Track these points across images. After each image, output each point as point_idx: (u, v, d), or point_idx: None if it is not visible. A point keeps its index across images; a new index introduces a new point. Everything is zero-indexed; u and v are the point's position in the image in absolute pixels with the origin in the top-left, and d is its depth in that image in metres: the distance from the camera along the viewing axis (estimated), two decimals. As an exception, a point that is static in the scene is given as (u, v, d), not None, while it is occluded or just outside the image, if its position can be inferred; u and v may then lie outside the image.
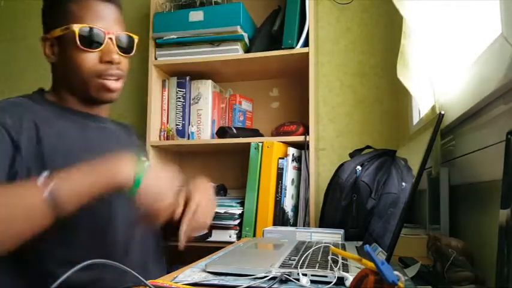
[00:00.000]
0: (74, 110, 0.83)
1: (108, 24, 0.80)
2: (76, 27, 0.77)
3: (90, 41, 0.78)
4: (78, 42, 0.77)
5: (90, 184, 0.62)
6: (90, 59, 0.78)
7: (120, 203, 0.79)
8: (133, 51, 0.85)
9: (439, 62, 0.90)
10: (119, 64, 0.81)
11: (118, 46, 0.81)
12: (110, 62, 0.79)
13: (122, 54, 0.82)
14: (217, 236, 1.34)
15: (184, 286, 0.52)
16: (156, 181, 0.67)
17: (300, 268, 0.58)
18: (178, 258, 1.00)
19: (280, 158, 1.35)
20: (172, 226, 0.74)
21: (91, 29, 0.77)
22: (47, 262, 0.70)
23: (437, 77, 0.90)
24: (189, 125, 1.58)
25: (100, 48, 0.78)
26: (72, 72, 0.79)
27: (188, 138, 1.56)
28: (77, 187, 0.62)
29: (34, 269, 0.71)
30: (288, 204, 1.35)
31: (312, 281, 0.55)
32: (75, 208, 0.62)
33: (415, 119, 1.24)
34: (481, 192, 0.70)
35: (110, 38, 0.79)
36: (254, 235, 1.31)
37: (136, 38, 0.86)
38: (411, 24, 0.88)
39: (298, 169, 1.42)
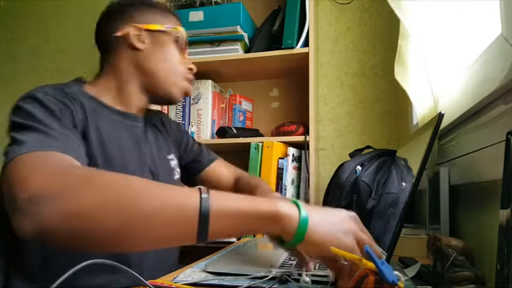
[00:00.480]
0: (109, 106, 0.81)
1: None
2: (182, 30, 0.86)
3: (185, 46, 0.88)
4: (182, 44, 0.87)
5: (247, 211, 0.49)
6: (184, 62, 0.87)
7: None
8: None
9: (439, 62, 0.90)
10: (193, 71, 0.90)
11: None
12: (191, 70, 0.89)
13: None
14: (217, 236, 1.34)
15: (184, 286, 0.52)
16: (322, 227, 0.52)
17: (300, 268, 0.58)
18: (178, 258, 1.00)
19: (280, 158, 1.35)
20: None
21: (186, 35, 0.88)
22: (55, 264, 0.70)
23: (437, 77, 0.90)
24: (189, 125, 1.58)
25: (186, 56, 0.89)
26: (163, 65, 0.84)
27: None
28: (233, 209, 0.49)
29: (42, 271, 0.70)
30: (288, 204, 1.35)
31: (312, 281, 0.55)
32: (218, 237, 0.49)
33: (415, 119, 1.24)
34: (481, 192, 0.70)
35: (187, 52, 0.91)
36: (254, 235, 1.31)
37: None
38: (407, 25, 0.88)
39: (298, 169, 1.42)
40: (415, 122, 1.24)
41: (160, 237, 0.48)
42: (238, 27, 1.46)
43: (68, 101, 0.69)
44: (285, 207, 0.50)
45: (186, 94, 0.89)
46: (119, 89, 0.82)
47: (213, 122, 1.57)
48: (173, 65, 0.84)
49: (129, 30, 0.81)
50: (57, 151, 0.56)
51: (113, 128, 0.78)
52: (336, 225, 0.52)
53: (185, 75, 0.87)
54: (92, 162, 0.70)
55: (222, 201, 0.48)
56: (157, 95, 0.85)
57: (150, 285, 0.48)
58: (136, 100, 0.84)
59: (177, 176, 0.96)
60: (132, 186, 0.48)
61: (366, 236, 0.54)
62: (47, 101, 0.65)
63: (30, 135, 0.58)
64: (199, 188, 0.49)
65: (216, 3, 1.56)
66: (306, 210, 0.51)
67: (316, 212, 0.52)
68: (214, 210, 0.47)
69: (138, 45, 0.82)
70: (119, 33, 0.81)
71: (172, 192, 0.48)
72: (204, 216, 0.46)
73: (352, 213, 0.56)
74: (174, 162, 0.96)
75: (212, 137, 1.55)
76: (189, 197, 0.47)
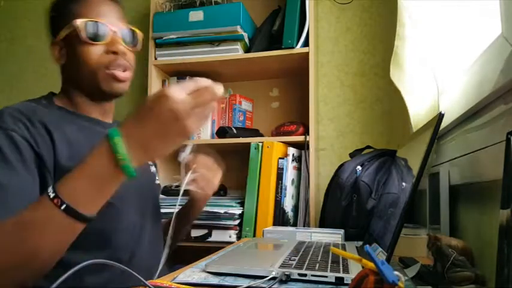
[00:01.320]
0: (81, 115, 0.84)
1: (111, 20, 0.81)
2: (79, 22, 0.78)
3: (95, 34, 0.79)
4: (83, 35, 0.78)
5: (92, 177, 0.57)
6: (97, 51, 0.79)
7: (126, 208, 0.79)
8: (139, 45, 0.87)
9: (438, 62, 0.90)
10: (125, 55, 0.82)
11: (122, 40, 0.82)
12: (115, 53, 0.80)
13: (128, 46, 0.83)
14: (217, 236, 1.34)
15: (184, 286, 0.52)
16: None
17: (300, 268, 0.58)
18: (178, 258, 1.00)
19: (280, 158, 1.35)
20: (179, 232, 0.74)
21: (94, 22, 0.79)
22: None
23: (437, 77, 0.90)
24: (189, 125, 1.58)
25: (105, 41, 0.80)
26: (80, 67, 0.80)
27: (188, 138, 1.56)
28: (88, 187, 0.57)
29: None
30: (288, 204, 1.35)
31: (312, 281, 0.55)
32: (98, 207, 0.58)
33: (413, 120, 1.23)
34: (481, 192, 0.70)
35: (114, 31, 0.81)
36: (254, 235, 1.31)
37: (140, 33, 0.87)
38: (412, 14, 0.88)
39: (298, 169, 1.42)
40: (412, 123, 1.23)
41: (53, 250, 0.58)
42: (238, 27, 1.46)
43: (25, 124, 0.71)
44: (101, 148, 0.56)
45: (118, 80, 0.81)
46: (72, 100, 0.85)
47: (213, 122, 1.57)
48: (86, 63, 0.79)
49: (52, 49, 0.84)
50: None
51: (84, 135, 0.79)
52: (154, 127, 0.56)
53: (105, 65, 0.80)
54: (62, 172, 0.68)
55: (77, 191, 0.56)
56: (97, 95, 0.84)
57: (150, 285, 0.48)
58: (90, 106, 0.85)
59: (157, 181, 0.98)
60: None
61: (183, 101, 0.55)
62: (2, 138, 0.67)
63: None
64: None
65: (216, 3, 1.56)
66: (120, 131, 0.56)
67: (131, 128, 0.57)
68: (79, 205, 0.56)
69: (58, 62, 0.84)
70: (52, 52, 0.84)
71: (37, 222, 0.57)
72: (75, 215, 0.56)
73: (163, 92, 0.56)
74: (153, 168, 0.99)
75: (212, 137, 1.55)
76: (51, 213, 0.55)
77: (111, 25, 0.81)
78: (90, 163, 0.57)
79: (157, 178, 0.99)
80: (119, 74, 0.81)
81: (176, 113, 0.55)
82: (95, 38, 0.79)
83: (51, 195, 0.55)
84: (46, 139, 0.72)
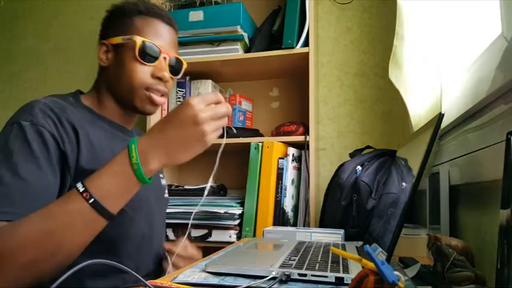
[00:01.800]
0: (106, 118, 0.85)
1: (165, 44, 0.84)
2: (139, 40, 0.81)
3: (148, 55, 0.82)
4: (137, 53, 0.80)
5: (119, 177, 0.63)
6: (143, 71, 0.82)
7: (136, 217, 0.80)
8: (180, 74, 0.91)
9: (438, 62, 0.90)
10: (167, 82, 0.85)
11: (169, 66, 0.85)
12: (160, 78, 0.83)
13: (171, 74, 0.86)
14: (217, 236, 1.34)
15: (184, 286, 0.52)
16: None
17: (300, 268, 0.58)
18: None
19: (280, 158, 1.35)
20: None
21: (152, 44, 0.82)
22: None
23: (437, 77, 0.90)
24: (189, 125, 1.58)
25: (154, 64, 0.82)
26: (123, 79, 0.82)
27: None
28: (112, 186, 0.62)
29: None
30: (288, 204, 1.35)
31: (312, 281, 0.55)
32: (122, 206, 0.64)
33: (413, 120, 1.23)
34: (481, 192, 0.70)
35: (164, 57, 0.84)
36: (254, 235, 1.31)
37: (185, 64, 0.91)
38: (412, 14, 0.88)
39: (298, 169, 1.42)
40: (412, 123, 1.23)
41: (76, 243, 0.61)
42: (238, 27, 1.46)
43: (54, 121, 0.71)
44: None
45: (154, 104, 0.84)
46: (101, 102, 0.86)
47: (213, 122, 1.57)
48: (130, 78, 0.81)
49: (100, 47, 0.85)
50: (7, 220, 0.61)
51: (107, 138, 0.80)
52: (175, 131, 0.63)
53: (147, 86, 0.82)
54: (81, 173, 0.71)
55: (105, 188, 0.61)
56: (128, 108, 0.86)
57: (150, 285, 0.48)
58: (117, 112, 0.87)
59: (166, 194, 0.98)
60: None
61: (208, 110, 0.65)
62: (31, 132, 0.68)
63: None
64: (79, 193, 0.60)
65: (216, 3, 1.56)
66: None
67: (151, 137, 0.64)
68: (105, 200, 0.60)
69: (102, 63, 0.84)
70: (97, 51, 0.85)
71: (64, 214, 0.60)
72: (101, 210, 0.60)
73: (186, 101, 0.64)
74: (164, 181, 1.00)
75: (212, 137, 1.55)
76: (79, 207, 0.60)
77: (164, 51, 0.84)
78: (115, 164, 0.63)
79: (166, 191, 1.00)
80: (156, 98, 0.84)
81: (196, 119, 0.63)
82: (147, 59, 0.82)
83: (81, 189, 0.60)
84: (72, 139, 0.73)
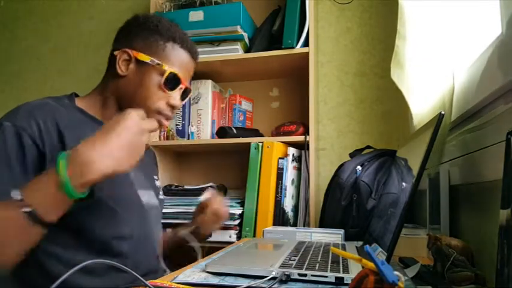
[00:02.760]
0: (98, 119, 0.85)
1: (185, 76, 0.88)
2: (168, 69, 0.84)
3: (170, 85, 0.85)
4: (162, 80, 0.83)
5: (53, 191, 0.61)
6: (160, 96, 0.85)
7: (128, 217, 0.80)
8: (186, 100, 0.98)
9: (439, 62, 0.89)
10: (177, 109, 0.90)
11: (182, 95, 0.89)
12: (173, 107, 0.87)
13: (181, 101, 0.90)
14: (217, 236, 1.34)
15: (184, 286, 0.52)
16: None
17: (300, 268, 0.58)
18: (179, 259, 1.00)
19: (280, 158, 1.35)
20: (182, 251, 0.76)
21: (176, 76, 0.85)
22: (54, 265, 0.72)
23: (437, 76, 0.89)
24: (189, 125, 1.58)
25: (171, 93, 0.86)
26: (139, 97, 0.83)
27: (188, 138, 1.56)
28: (47, 196, 0.61)
29: (40, 271, 0.71)
30: (288, 204, 1.35)
31: (312, 281, 0.55)
32: (59, 215, 0.62)
33: (415, 119, 1.23)
34: (481, 192, 0.70)
35: (181, 88, 0.88)
36: (254, 235, 1.31)
37: (191, 92, 0.97)
38: (413, 14, 0.87)
39: (298, 169, 1.42)
40: (415, 122, 1.23)
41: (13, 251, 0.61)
42: (238, 27, 1.46)
43: (38, 124, 0.72)
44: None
45: (159, 125, 0.85)
46: (102, 105, 0.86)
47: (213, 122, 1.57)
48: (146, 99, 0.83)
49: (121, 54, 0.84)
50: None
51: None
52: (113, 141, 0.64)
53: (160, 111, 0.85)
54: None
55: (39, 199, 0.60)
56: None
57: (150, 285, 0.48)
58: (107, 114, 0.86)
59: (161, 196, 0.99)
60: None
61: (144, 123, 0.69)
62: (9, 134, 0.70)
63: None
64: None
65: (216, 3, 1.56)
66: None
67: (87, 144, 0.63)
68: (39, 210, 0.60)
69: (120, 71, 0.84)
70: (114, 53, 0.85)
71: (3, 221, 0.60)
72: (35, 220, 0.59)
73: (129, 111, 0.68)
74: (158, 183, 1.01)
75: (212, 137, 1.55)
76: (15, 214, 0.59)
77: (184, 82, 0.87)
78: (46, 179, 0.61)
79: (161, 193, 1.00)
80: (164, 122, 0.87)
81: (141, 127, 0.67)
82: (168, 87, 0.85)
83: (18, 197, 0.59)
84: (55, 140, 0.73)
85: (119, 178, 0.75)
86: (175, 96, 0.86)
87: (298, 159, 1.42)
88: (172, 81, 0.85)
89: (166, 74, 0.83)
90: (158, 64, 0.83)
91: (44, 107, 0.75)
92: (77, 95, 0.89)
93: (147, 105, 0.83)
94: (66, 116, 0.77)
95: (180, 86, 0.87)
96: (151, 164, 1.07)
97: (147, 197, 0.89)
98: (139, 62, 0.83)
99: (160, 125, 0.86)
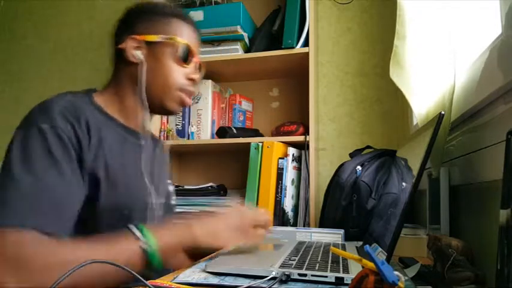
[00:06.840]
0: (117, 120, 0.82)
1: (195, 49, 0.88)
2: (181, 41, 0.83)
3: (187, 57, 0.85)
4: (179, 54, 0.83)
5: (176, 242, 0.68)
6: (180, 71, 0.84)
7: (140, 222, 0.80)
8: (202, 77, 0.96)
9: (437, 61, 0.89)
10: (197, 84, 0.89)
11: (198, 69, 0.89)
12: (193, 80, 0.86)
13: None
14: (217, 236, 1.34)
15: (184, 286, 0.52)
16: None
17: (300, 268, 0.58)
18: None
19: (280, 158, 1.35)
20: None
21: (188, 47, 0.85)
22: None
23: (438, 76, 0.89)
24: (189, 125, 1.58)
25: (189, 66, 0.85)
26: (158, 77, 0.82)
27: (188, 138, 1.56)
28: (168, 244, 0.66)
29: None
30: (288, 204, 1.35)
31: (312, 281, 0.55)
32: (165, 261, 0.65)
33: (415, 119, 1.24)
34: (481, 192, 0.70)
35: (196, 62, 0.87)
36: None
37: (204, 68, 0.96)
38: (412, 13, 0.87)
39: (298, 169, 1.42)
40: (415, 122, 1.23)
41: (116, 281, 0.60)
42: (238, 27, 1.46)
43: (72, 124, 0.69)
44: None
45: (183, 105, 0.87)
46: (121, 102, 0.84)
47: (213, 122, 1.57)
48: (167, 77, 0.82)
49: (128, 43, 0.82)
50: (36, 228, 0.58)
51: (117, 142, 0.79)
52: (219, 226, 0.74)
53: (181, 87, 0.84)
54: (93, 175, 0.70)
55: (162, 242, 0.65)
56: (154, 107, 0.84)
57: (150, 285, 0.48)
58: (137, 114, 0.85)
59: (173, 200, 0.98)
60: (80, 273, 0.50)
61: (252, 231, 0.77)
62: (51, 136, 0.66)
63: (19, 192, 0.60)
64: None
65: (216, 3, 1.56)
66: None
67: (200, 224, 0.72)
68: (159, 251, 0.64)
69: (132, 58, 0.82)
70: (120, 46, 0.83)
71: (118, 253, 0.61)
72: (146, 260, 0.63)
73: (233, 211, 0.79)
74: (171, 187, 0.99)
75: (212, 137, 1.55)
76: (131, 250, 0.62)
77: (197, 55, 0.88)
78: (180, 227, 0.70)
79: (173, 197, 1.00)
80: (187, 99, 0.86)
81: (246, 223, 0.76)
82: (186, 60, 0.84)
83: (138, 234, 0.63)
84: (87, 143, 0.71)
85: (136, 187, 0.75)
86: (193, 69, 0.86)
87: (298, 159, 1.42)
88: (186, 53, 0.84)
89: (181, 46, 0.83)
90: (169, 39, 0.82)
91: (74, 106, 0.72)
92: (93, 91, 0.84)
93: (169, 83, 0.82)
94: (91, 116, 0.75)
95: (195, 59, 0.86)
96: (165, 167, 1.02)
97: (159, 202, 0.88)
98: (149, 44, 0.82)
99: (184, 103, 0.86)
